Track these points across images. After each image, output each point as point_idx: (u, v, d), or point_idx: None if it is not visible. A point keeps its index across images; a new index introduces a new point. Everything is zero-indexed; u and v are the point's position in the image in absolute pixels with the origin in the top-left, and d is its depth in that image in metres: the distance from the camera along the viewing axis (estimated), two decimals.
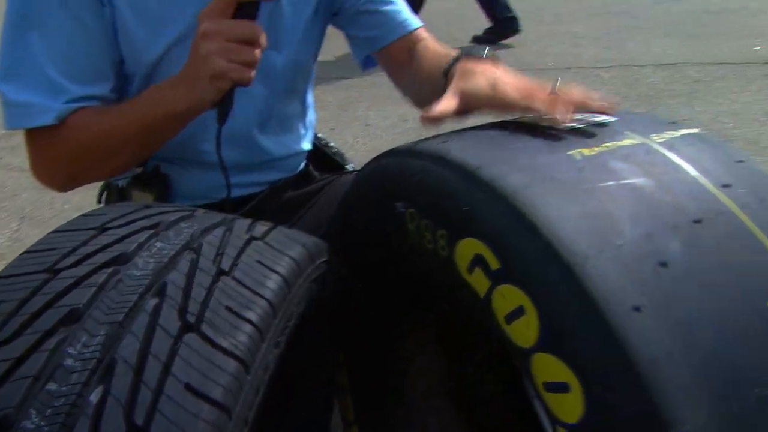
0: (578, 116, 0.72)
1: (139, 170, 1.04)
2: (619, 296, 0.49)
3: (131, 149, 0.88)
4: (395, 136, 2.99)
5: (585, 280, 0.50)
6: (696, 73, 3.58)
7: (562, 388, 0.51)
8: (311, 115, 1.19)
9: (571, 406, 0.51)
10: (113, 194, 1.09)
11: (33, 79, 0.84)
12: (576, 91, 0.70)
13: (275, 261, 0.59)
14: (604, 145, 0.63)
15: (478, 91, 0.74)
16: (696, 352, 0.49)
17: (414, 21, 1.07)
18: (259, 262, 0.58)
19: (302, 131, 1.15)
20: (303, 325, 0.78)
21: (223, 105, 0.81)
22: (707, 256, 0.54)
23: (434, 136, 0.71)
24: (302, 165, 1.18)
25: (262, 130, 1.05)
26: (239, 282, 0.55)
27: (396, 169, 0.71)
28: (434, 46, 1.02)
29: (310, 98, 1.18)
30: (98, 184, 1.08)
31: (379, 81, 3.28)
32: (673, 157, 0.62)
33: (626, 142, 0.64)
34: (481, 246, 0.58)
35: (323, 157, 1.25)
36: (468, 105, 0.74)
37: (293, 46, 1.01)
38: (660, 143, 0.64)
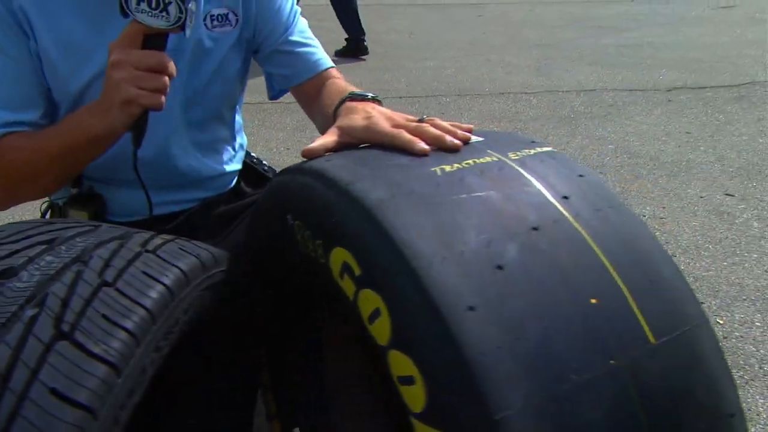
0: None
1: (74, 190, 1.02)
2: (455, 297, 0.50)
3: (55, 170, 0.87)
4: None
5: (427, 284, 0.50)
6: (611, 98, 3.67)
7: (409, 381, 0.51)
8: (240, 139, 1.18)
9: (416, 397, 0.51)
10: (55, 213, 1.07)
11: None
12: (440, 122, 0.71)
13: (162, 272, 0.58)
14: (464, 162, 0.64)
15: (354, 126, 0.76)
16: (523, 345, 0.49)
17: (325, 61, 1.07)
18: (145, 273, 0.57)
19: (231, 153, 1.14)
20: (207, 329, 0.77)
21: (137, 129, 0.79)
22: (541, 259, 0.54)
23: (325, 156, 0.71)
24: (233, 182, 1.17)
25: (188, 154, 1.04)
26: (121, 292, 0.53)
27: (288, 185, 0.71)
28: (338, 85, 1.01)
29: (238, 123, 1.17)
30: (38, 203, 1.05)
31: None
32: (523, 172, 0.63)
33: (485, 159, 0.65)
34: (347, 254, 0.58)
35: (255, 174, 1.24)
36: (348, 139, 0.75)
37: (214, 76, 1.01)
38: (514, 160, 0.65)
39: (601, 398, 0.49)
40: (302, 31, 1.09)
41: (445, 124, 0.72)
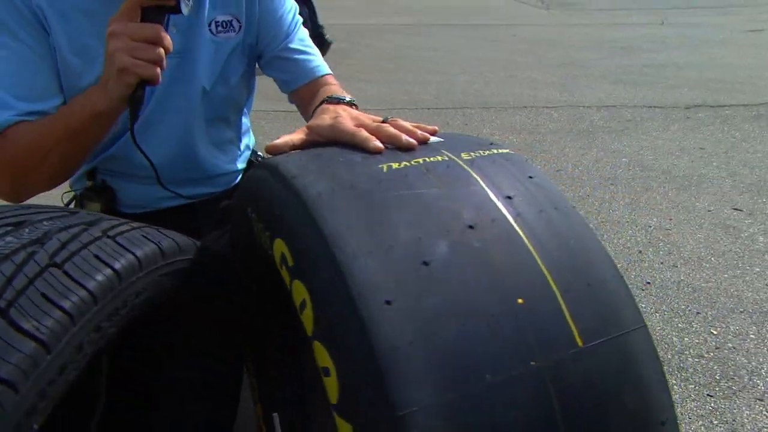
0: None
1: (89, 183, 1.02)
2: (374, 291, 0.46)
3: (60, 152, 0.85)
4: None
5: (347, 277, 0.47)
6: (630, 114, 3.54)
7: (326, 372, 0.48)
8: (247, 140, 1.17)
9: (332, 389, 0.47)
10: (76, 204, 1.07)
11: None
12: (402, 123, 0.68)
13: (114, 256, 0.56)
14: (414, 160, 0.60)
15: (321, 125, 0.73)
16: (437, 341, 0.45)
17: (322, 69, 1.05)
18: (96, 256, 0.55)
19: (236, 153, 1.13)
20: (185, 316, 0.75)
21: (133, 102, 0.76)
22: (470, 257, 0.50)
23: (290, 152, 0.68)
24: (237, 179, 1.16)
25: (195, 153, 1.03)
26: (66, 273, 0.52)
27: (249, 180, 0.68)
28: (330, 91, 0.97)
29: (245, 125, 1.15)
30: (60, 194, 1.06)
31: None
32: (471, 172, 0.59)
33: (435, 158, 0.61)
34: (284, 245, 0.55)
35: None
36: (315, 137, 0.73)
37: (219, 79, 0.99)
38: (465, 160, 0.61)
39: (516, 399, 0.45)
40: (302, 39, 1.07)
41: (407, 124, 0.68)
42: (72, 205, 1.09)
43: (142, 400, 0.85)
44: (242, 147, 1.15)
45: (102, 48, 0.86)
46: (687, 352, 1.41)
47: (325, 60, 1.07)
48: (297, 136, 0.72)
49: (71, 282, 0.51)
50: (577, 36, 6.47)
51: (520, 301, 0.49)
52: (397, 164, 0.59)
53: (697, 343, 1.45)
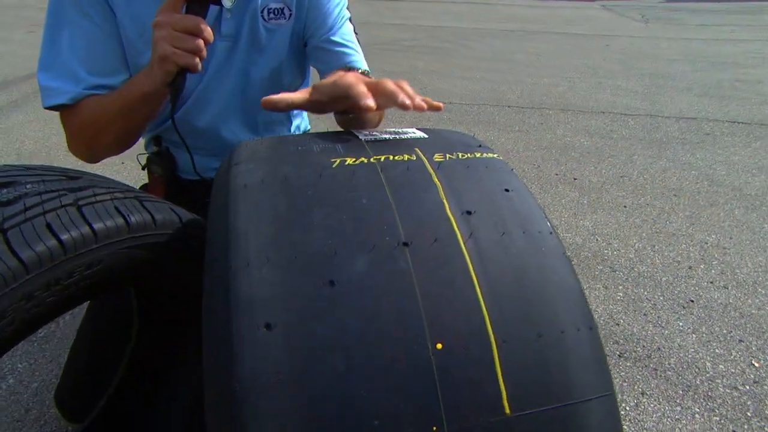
0: (391, 129, 0.53)
1: (156, 149, 0.97)
2: (255, 310, 0.32)
3: (116, 128, 0.79)
4: None
5: (232, 288, 0.33)
6: (710, 127, 2.99)
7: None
8: (298, 122, 1.05)
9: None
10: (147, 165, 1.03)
11: (60, 69, 0.77)
12: (407, 87, 0.54)
13: (67, 227, 0.47)
14: (374, 157, 0.44)
15: (325, 83, 0.60)
16: (311, 383, 0.30)
17: (359, 63, 0.90)
18: (48, 225, 0.46)
19: (285, 133, 1.01)
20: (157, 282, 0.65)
21: (173, 88, 0.69)
22: (390, 282, 0.34)
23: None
24: None
25: (241, 131, 0.93)
26: (6, 240, 0.43)
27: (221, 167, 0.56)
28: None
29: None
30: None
31: None
32: (433, 177, 0.42)
33: (401, 156, 0.45)
34: (208, 237, 0.42)
35: None
36: (317, 96, 0.60)
37: (269, 63, 0.88)
38: (435, 162, 0.44)
39: None
40: (345, 34, 0.92)
41: (409, 89, 0.54)
42: (145, 168, 1.04)
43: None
44: (293, 128, 1.03)
45: None
46: (719, 381, 1.12)
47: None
48: (298, 94, 0.60)
49: (6, 249, 0.43)
50: (671, 49, 5.65)
51: (439, 345, 0.32)
52: (353, 159, 0.44)
53: (733, 373, 1.15)
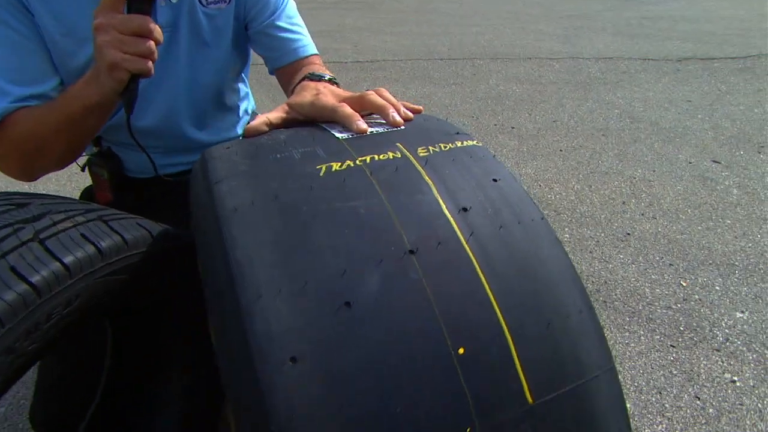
0: (369, 122, 0.51)
1: (96, 149, 0.87)
2: (278, 345, 0.31)
3: (62, 142, 0.69)
4: None
5: (248, 324, 0.31)
6: (625, 66, 3.14)
7: (228, 424, 0.34)
8: (246, 105, 0.98)
9: None
10: (88, 167, 0.93)
11: None
12: (387, 94, 0.52)
13: (34, 267, 0.42)
14: (360, 159, 0.42)
15: (301, 103, 0.56)
16: (352, 406, 0.30)
17: (307, 48, 0.83)
18: (12, 269, 0.41)
19: (235, 119, 0.94)
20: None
21: (127, 96, 0.61)
22: (405, 294, 0.34)
23: (231, 142, 0.51)
24: None
25: (192, 123, 0.85)
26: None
27: (194, 167, 0.51)
28: (313, 69, 0.78)
29: (243, 91, 0.96)
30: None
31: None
32: (423, 174, 0.41)
33: (387, 155, 0.43)
34: (201, 263, 0.39)
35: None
36: (294, 114, 0.56)
37: (213, 52, 0.80)
38: (421, 157, 0.43)
39: None
40: (290, 17, 0.85)
41: (392, 98, 0.51)
42: (85, 169, 0.94)
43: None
44: (241, 113, 0.96)
45: (87, 24, 0.67)
46: (656, 303, 1.24)
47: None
48: (275, 114, 0.55)
49: None
50: None
51: (461, 351, 0.33)
52: (339, 164, 0.42)
53: (667, 294, 1.27)
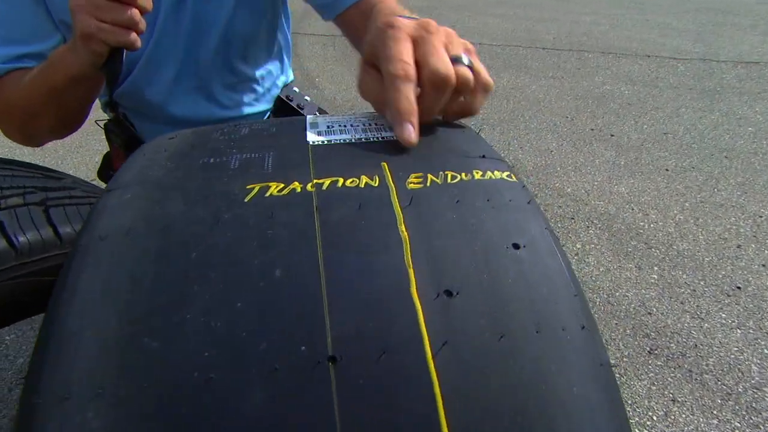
0: (363, 116, 0.37)
1: (112, 115, 0.81)
2: None
3: (51, 112, 0.62)
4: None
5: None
6: None
7: None
8: (274, 79, 0.86)
9: None
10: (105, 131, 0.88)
11: None
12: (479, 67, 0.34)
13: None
14: (315, 180, 0.29)
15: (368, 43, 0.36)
16: None
17: None
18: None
19: (260, 91, 0.83)
20: None
21: (108, 70, 0.52)
22: None
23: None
24: (265, 118, 0.87)
25: (212, 93, 0.76)
26: None
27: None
28: (388, 6, 0.59)
29: (272, 62, 0.84)
30: None
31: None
32: (399, 219, 0.26)
33: (360, 181, 0.29)
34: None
35: (289, 111, 0.92)
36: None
37: (233, 13, 0.69)
38: (408, 191, 0.28)
39: None
40: None
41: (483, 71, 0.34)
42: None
43: None
44: (265, 86, 0.85)
45: None
46: (766, 389, 0.97)
47: None
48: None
49: None
50: None
51: None
52: (280, 186, 0.28)
53: None
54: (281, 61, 0.86)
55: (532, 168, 1.78)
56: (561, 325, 0.24)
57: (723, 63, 2.84)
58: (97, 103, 0.74)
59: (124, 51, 0.52)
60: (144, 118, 0.76)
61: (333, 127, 0.36)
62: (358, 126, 0.36)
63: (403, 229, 0.26)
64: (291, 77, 0.90)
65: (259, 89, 0.83)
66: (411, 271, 0.24)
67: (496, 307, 0.23)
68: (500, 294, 0.24)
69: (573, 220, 1.48)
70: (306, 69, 2.78)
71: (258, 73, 0.81)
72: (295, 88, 0.92)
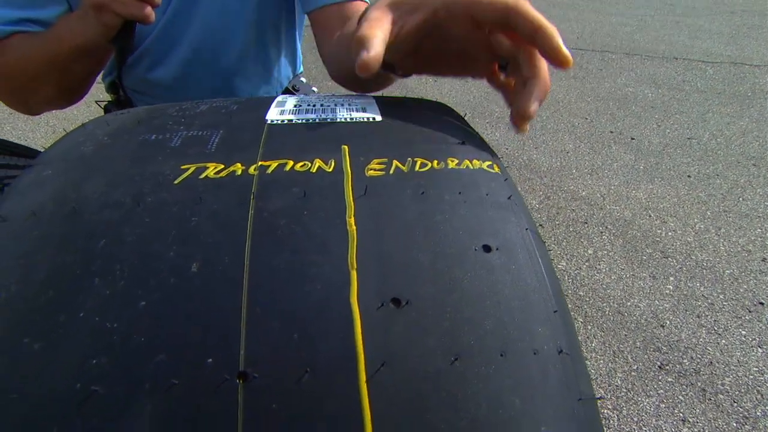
0: (339, 97, 0.33)
1: (113, 97, 0.79)
2: None
3: (51, 82, 0.60)
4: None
5: None
6: None
7: None
8: (287, 68, 0.83)
9: None
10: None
11: None
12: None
13: None
14: (260, 162, 0.25)
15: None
16: None
17: None
18: None
19: (272, 79, 0.80)
20: None
21: (118, 43, 0.50)
22: None
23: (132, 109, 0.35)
24: None
25: (226, 79, 0.73)
26: None
27: None
28: None
29: (284, 53, 0.80)
30: None
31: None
32: (350, 211, 0.22)
33: (311, 165, 0.25)
34: None
35: None
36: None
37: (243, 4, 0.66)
38: (366, 177, 0.24)
39: None
40: None
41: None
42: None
43: None
44: (281, 74, 0.81)
45: None
46: None
47: None
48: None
49: None
50: None
51: None
52: (218, 168, 0.24)
53: None
54: (294, 51, 0.82)
55: (546, 169, 1.71)
56: (533, 348, 0.19)
57: (756, 67, 2.72)
58: (101, 85, 0.71)
59: (136, 25, 0.49)
60: (148, 101, 0.73)
61: (301, 106, 0.32)
62: (329, 105, 0.32)
63: (352, 222, 0.22)
64: (300, 68, 0.86)
65: (272, 77, 0.79)
66: (353, 274, 0.20)
67: (452, 322, 0.19)
68: (459, 306, 0.20)
69: (586, 225, 1.41)
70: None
71: (275, 61, 0.78)
72: (303, 79, 0.88)
